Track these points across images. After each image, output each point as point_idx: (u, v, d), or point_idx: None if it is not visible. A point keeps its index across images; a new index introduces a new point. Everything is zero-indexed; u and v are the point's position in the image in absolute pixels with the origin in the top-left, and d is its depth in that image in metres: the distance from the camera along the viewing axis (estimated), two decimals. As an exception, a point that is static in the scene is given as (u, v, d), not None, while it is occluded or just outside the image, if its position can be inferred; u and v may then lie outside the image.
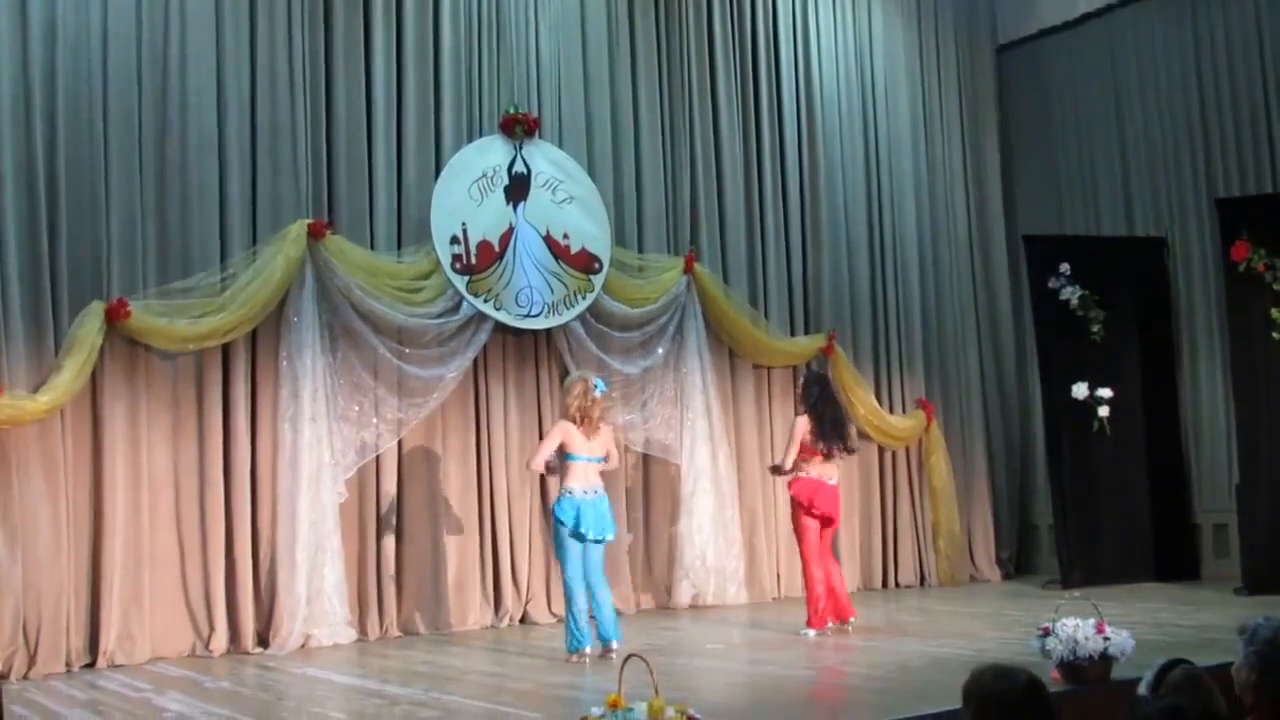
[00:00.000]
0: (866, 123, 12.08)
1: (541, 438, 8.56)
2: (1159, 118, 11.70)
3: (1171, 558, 10.93)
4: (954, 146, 12.66)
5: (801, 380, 8.89)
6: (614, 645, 7.52)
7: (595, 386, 7.79)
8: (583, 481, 7.63)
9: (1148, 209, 11.78)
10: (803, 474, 8.45)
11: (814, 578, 8.37)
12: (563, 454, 7.78)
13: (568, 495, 7.59)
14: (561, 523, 7.55)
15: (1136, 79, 11.88)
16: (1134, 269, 11.37)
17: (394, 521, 9.21)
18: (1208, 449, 11.26)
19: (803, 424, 8.48)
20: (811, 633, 8.31)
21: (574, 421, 7.67)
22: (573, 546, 7.57)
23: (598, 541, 7.64)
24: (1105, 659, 5.72)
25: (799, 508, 8.44)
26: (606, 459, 7.81)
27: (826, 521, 8.50)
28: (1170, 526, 11.07)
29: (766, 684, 6.76)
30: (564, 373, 9.40)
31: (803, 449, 8.45)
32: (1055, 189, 12.56)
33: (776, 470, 8.76)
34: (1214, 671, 3.61)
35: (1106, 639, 5.71)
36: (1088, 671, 5.70)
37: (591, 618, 7.58)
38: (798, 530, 8.51)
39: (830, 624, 8.35)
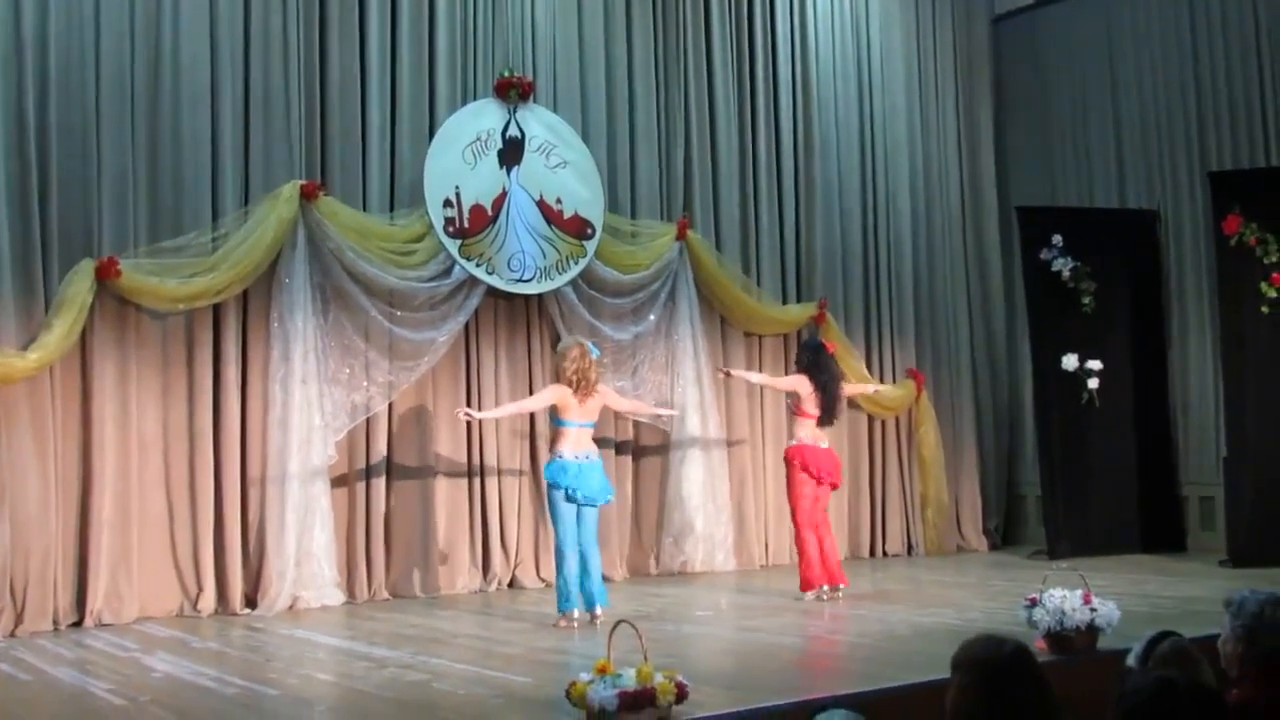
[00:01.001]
0: (861, 91, 12.01)
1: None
2: (1153, 90, 11.66)
3: (1158, 530, 10.97)
4: (948, 116, 12.60)
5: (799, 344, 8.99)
6: (599, 611, 7.55)
7: (590, 350, 7.79)
8: (574, 447, 7.63)
9: (1140, 181, 11.75)
10: (795, 441, 8.52)
11: (806, 541, 8.40)
12: (554, 419, 7.80)
13: (558, 459, 7.60)
14: (554, 486, 7.56)
15: (1131, 51, 11.83)
16: (1126, 241, 11.36)
17: (384, 484, 9.22)
18: (1196, 422, 11.28)
19: (800, 380, 8.52)
20: (808, 596, 8.35)
21: (569, 385, 7.66)
22: (565, 510, 7.58)
23: (592, 505, 7.66)
24: (1091, 630, 5.76)
25: (795, 471, 8.46)
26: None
27: (829, 485, 8.55)
28: (1157, 499, 11.10)
29: (755, 650, 6.78)
30: (555, 338, 9.39)
31: (799, 411, 8.50)
32: (1049, 160, 12.53)
33: (725, 373, 9.37)
34: (1201, 643, 3.64)
35: (1093, 610, 5.75)
36: (1074, 642, 5.74)
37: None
38: (792, 495, 8.53)
39: (824, 588, 8.38)
